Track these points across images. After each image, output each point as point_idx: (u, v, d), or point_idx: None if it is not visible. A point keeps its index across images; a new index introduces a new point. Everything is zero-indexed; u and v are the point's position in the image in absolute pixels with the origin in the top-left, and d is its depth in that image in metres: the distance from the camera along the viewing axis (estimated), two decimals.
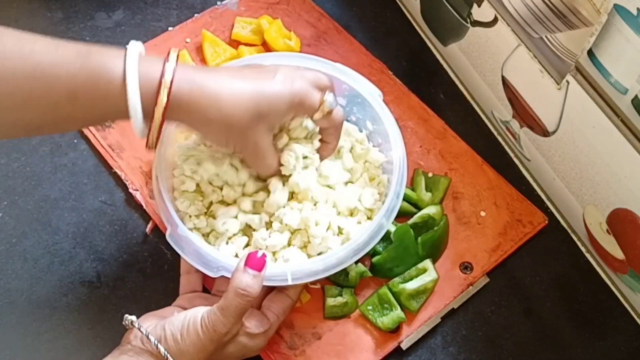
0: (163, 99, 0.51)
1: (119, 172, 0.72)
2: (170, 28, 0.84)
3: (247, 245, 0.63)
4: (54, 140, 0.75)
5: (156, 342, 0.53)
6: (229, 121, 0.54)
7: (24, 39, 0.50)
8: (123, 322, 0.55)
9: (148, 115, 0.52)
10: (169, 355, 0.52)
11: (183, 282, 0.63)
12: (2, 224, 0.69)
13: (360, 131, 0.70)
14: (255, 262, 0.55)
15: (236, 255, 0.61)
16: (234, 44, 0.81)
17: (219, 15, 0.84)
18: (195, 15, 0.85)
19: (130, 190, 0.71)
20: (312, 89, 0.58)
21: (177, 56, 0.53)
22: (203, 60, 0.80)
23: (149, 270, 0.67)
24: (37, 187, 0.72)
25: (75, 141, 0.75)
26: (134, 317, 0.55)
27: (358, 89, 0.67)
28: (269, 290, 0.61)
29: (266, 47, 0.81)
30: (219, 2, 0.86)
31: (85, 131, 0.74)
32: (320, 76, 0.60)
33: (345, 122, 0.66)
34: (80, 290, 0.66)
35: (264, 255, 0.56)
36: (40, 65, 0.49)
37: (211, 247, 0.60)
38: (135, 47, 0.52)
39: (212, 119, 0.54)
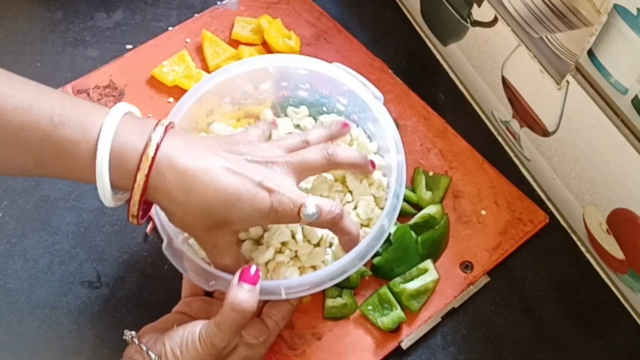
0: (140, 181, 0.49)
1: None
2: (170, 28, 0.84)
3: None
4: None
5: (156, 358, 0.53)
6: (192, 220, 0.52)
7: (5, 86, 0.48)
8: (124, 337, 0.56)
9: (119, 187, 0.50)
10: None
11: (185, 285, 0.63)
12: (2, 224, 0.69)
13: (370, 140, 0.68)
14: (249, 277, 0.54)
15: None
16: (234, 43, 0.81)
17: (219, 15, 0.84)
18: (195, 15, 0.85)
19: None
20: (290, 200, 0.52)
21: (164, 129, 0.51)
22: (203, 60, 0.80)
23: (149, 271, 0.67)
24: (37, 187, 0.72)
25: None
26: (133, 333, 0.55)
27: (358, 91, 0.66)
28: None
29: (266, 47, 0.81)
30: (218, 2, 0.86)
31: None
32: (308, 157, 0.56)
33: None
34: (80, 290, 0.66)
35: (257, 270, 0.55)
36: (11, 125, 0.47)
37: (205, 263, 0.58)
38: (113, 119, 0.49)
39: (180, 212, 0.51)
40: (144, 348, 0.54)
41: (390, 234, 0.66)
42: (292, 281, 0.57)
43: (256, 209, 0.52)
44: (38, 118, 0.48)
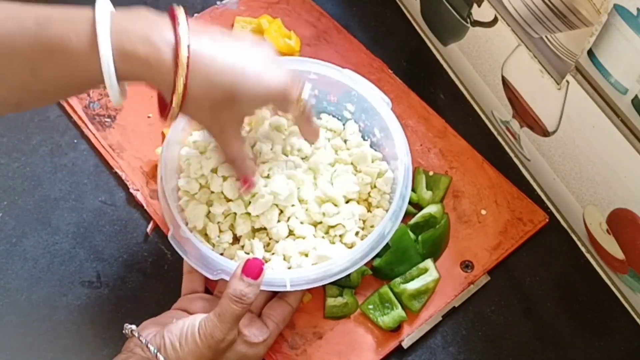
0: (183, 67, 0.49)
1: (119, 172, 0.72)
2: None
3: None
4: (54, 140, 0.75)
5: (156, 350, 0.53)
6: (201, 99, 0.52)
7: None
8: (123, 331, 0.56)
9: (124, 78, 0.50)
10: None
11: (185, 281, 0.63)
12: (2, 224, 0.69)
13: (365, 139, 0.70)
14: (252, 270, 0.55)
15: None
16: None
17: (219, 15, 0.84)
18: (195, 15, 0.84)
19: (131, 190, 0.71)
20: (292, 83, 0.57)
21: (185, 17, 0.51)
22: None
23: (149, 270, 0.67)
24: (37, 187, 0.72)
25: (75, 141, 0.75)
26: (133, 326, 0.56)
27: (367, 97, 0.67)
28: (269, 297, 0.61)
29: None
30: (218, 2, 0.86)
31: (86, 131, 0.74)
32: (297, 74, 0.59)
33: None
34: (80, 290, 0.66)
35: (261, 262, 0.55)
36: None
37: (211, 250, 0.60)
38: (103, 6, 0.49)
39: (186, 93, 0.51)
40: (144, 341, 0.54)
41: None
42: (297, 272, 0.58)
43: (262, 84, 0.53)
44: (24, 24, 0.48)
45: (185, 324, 0.55)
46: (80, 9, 0.49)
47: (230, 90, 0.52)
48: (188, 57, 0.49)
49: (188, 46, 0.49)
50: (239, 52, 0.54)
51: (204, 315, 0.55)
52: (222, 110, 0.54)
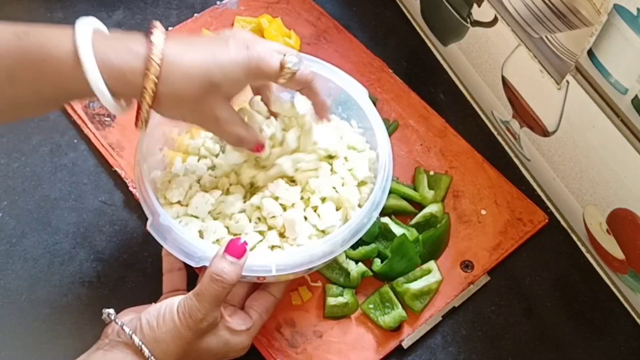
0: (151, 76, 0.49)
1: (119, 171, 0.72)
2: (170, 28, 0.84)
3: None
4: (54, 140, 0.75)
5: (130, 332, 0.52)
6: (180, 96, 0.52)
7: None
8: (102, 317, 0.55)
9: (114, 91, 0.50)
10: (142, 345, 0.52)
11: (166, 281, 0.62)
12: (2, 224, 0.69)
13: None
14: (235, 249, 0.54)
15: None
16: None
17: (218, 15, 0.84)
18: (195, 15, 0.85)
19: (131, 188, 0.71)
20: (270, 52, 0.55)
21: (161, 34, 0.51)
22: None
23: (149, 270, 0.67)
24: (37, 187, 0.72)
25: (75, 141, 0.75)
26: (111, 310, 0.55)
27: (343, 86, 0.65)
28: (252, 290, 0.60)
29: None
30: (218, 2, 0.86)
31: (85, 130, 0.74)
32: (280, 45, 0.57)
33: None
34: (80, 290, 0.66)
35: (244, 243, 0.54)
36: None
37: (193, 236, 0.58)
38: (85, 24, 0.50)
39: (163, 93, 0.51)
40: (119, 322, 0.53)
41: (393, 235, 0.66)
42: (281, 257, 0.57)
43: (234, 62, 0.52)
44: (2, 36, 0.48)
45: (163, 305, 0.54)
46: (59, 26, 0.50)
47: (206, 77, 0.52)
48: (161, 59, 0.50)
49: (162, 50, 0.50)
50: (210, 43, 0.54)
51: (182, 296, 0.54)
52: (205, 99, 0.53)
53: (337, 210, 0.61)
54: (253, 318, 0.58)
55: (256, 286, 0.61)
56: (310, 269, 0.58)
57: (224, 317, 0.55)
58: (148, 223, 0.58)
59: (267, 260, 0.56)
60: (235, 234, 0.60)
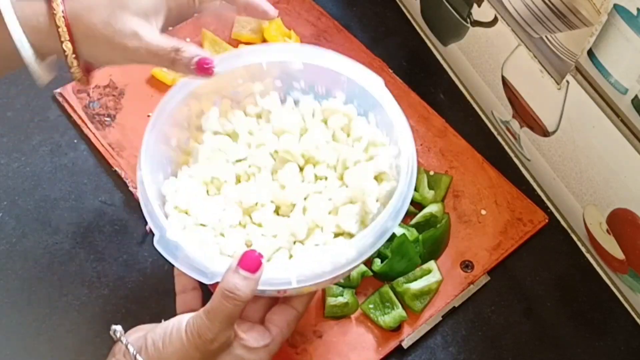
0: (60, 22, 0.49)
1: (119, 171, 0.72)
2: (170, 28, 0.83)
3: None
4: (54, 140, 0.75)
5: (135, 352, 0.48)
6: (91, 20, 0.50)
7: None
8: (110, 333, 0.51)
9: (38, 48, 0.50)
10: None
11: (179, 302, 0.56)
12: (2, 224, 0.69)
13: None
14: (249, 263, 0.48)
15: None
16: (234, 43, 0.81)
17: (218, 15, 0.84)
18: (195, 14, 0.84)
19: (130, 188, 0.71)
20: None
21: None
22: None
23: (149, 270, 0.67)
24: (37, 187, 0.72)
25: (75, 141, 0.75)
26: (118, 327, 0.51)
27: (356, 78, 0.60)
28: (271, 304, 0.55)
29: None
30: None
31: (85, 130, 0.74)
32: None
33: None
34: (80, 290, 0.66)
35: (260, 255, 0.49)
36: None
37: (204, 252, 0.52)
38: None
39: (74, 19, 0.50)
40: (124, 341, 0.49)
41: (394, 235, 0.65)
42: (302, 268, 0.51)
43: None
44: None
45: (170, 323, 0.50)
46: None
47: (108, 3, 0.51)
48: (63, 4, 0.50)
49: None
50: None
51: (192, 313, 0.49)
52: (117, 16, 0.51)
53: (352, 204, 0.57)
54: (273, 333, 0.52)
55: (277, 299, 0.55)
56: (335, 278, 0.52)
57: (238, 336, 0.50)
58: (155, 239, 0.52)
59: (286, 271, 0.50)
60: (248, 243, 0.56)
